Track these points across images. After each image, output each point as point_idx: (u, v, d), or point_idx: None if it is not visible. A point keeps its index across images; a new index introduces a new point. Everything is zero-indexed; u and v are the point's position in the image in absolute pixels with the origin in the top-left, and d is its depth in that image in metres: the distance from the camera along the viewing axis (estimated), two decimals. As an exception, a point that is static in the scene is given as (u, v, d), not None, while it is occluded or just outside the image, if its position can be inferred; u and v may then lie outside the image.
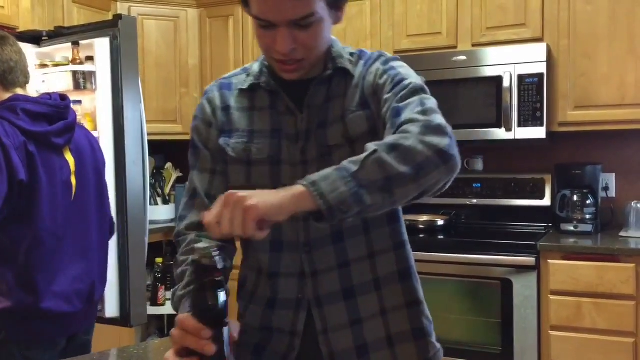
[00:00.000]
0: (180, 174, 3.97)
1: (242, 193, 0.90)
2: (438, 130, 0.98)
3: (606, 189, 3.15)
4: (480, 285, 2.78)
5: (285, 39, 1.06)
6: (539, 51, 2.93)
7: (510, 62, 2.95)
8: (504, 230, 3.20)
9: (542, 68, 2.91)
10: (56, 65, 2.73)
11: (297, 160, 1.15)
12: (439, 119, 1.01)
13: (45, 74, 2.76)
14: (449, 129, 1.00)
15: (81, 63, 2.68)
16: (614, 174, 3.19)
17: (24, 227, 1.76)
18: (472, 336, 2.78)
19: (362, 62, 1.20)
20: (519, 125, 2.94)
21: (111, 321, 2.65)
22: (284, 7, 1.03)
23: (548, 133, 2.94)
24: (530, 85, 2.93)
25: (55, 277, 1.82)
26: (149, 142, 3.69)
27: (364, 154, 0.95)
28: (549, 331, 2.70)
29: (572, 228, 2.97)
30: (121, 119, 2.63)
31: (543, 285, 2.72)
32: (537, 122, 2.92)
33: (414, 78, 1.11)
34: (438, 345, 1.24)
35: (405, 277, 1.21)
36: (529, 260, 2.72)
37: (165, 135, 3.79)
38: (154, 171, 3.89)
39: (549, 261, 2.70)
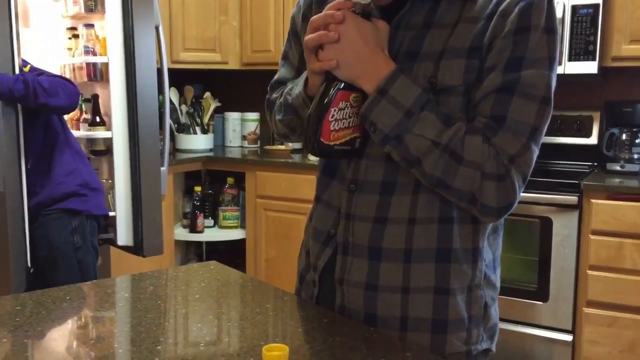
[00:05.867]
0: (219, 104, 3.96)
1: (332, 47, 0.95)
2: (506, 190, 0.95)
3: (657, 128, 3.03)
4: (519, 223, 2.75)
5: None
6: (595, -20, 2.76)
7: (564, -9, 2.80)
8: (547, 168, 3.12)
9: (598, -2, 2.76)
10: None
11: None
12: (523, 173, 0.96)
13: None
14: (521, 189, 0.97)
15: None
16: (667, 113, 3.05)
17: None
18: (509, 273, 2.77)
19: None
20: (570, 59, 2.81)
21: (125, 249, 2.68)
22: None
23: (600, 68, 2.81)
24: (584, 16, 2.78)
25: None
26: (188, 70, 3.69)
27: (436, 130, 0.94)
28: (587, 270, 2.66)
29: (618, 168, 2.88)
30: (131, 44, 2.52)
31: (584, 225, 2.67)
32: (589, 56, 2.79)
33: (546, 77, 0.94)
34: (464, 348, 1.05)
35: (442, 258, 1.02)
36: (571, 199, 2.66)
37: (204, 64, 3.77)
38: (193, 100, 3.90)
39: (592, 200, 2.63)
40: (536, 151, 0.97)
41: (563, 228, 2.69)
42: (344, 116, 0.98)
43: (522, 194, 0.99)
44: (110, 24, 2.54)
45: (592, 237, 2.64)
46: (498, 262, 1.12)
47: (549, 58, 0.95)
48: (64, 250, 2.28)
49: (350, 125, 0.99)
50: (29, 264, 2.30)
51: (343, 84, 0.97)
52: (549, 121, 0.97)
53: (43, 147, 2.30)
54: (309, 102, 1.04)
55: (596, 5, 2.76)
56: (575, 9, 2.80)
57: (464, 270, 1.04)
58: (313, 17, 0.98)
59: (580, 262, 2.69)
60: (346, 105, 0.97)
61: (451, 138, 0.94)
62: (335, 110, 0.97)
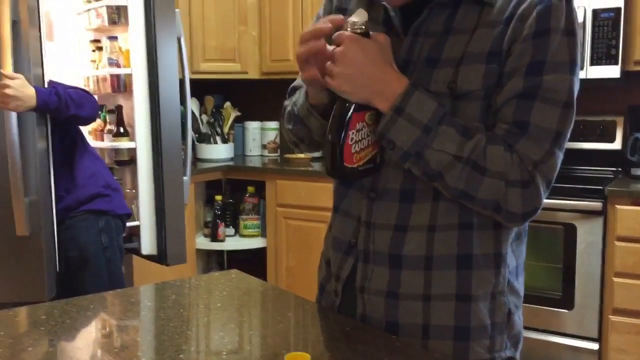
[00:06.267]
0: (239, 113, 3.99)
1: (339, 64, 0.94)
2: (531, 196, 0.94)
3: (683, 132, 2.97)
4: (542, 230, 2.71)
5: None
6: (616, -17, 2.73)
7: (584, -5, 2.78)
8: (571, 174, 3.08)
9: (619, 2, 2.72)
10: None
11: None
12: (547, 178, 0.95)
13: (89, 9, 2.78)
14: (545, 194, 0.96)
15: None
16: (692, 117, 3.00)
17: None
18: (533, 280, 2.74)
19: None
20: (592, 63, 2.78)
21: (149, 258, 2.70)
22: None
23: (623, 72, 2.78)
24: (605, 20, 2.75)
25: None
26: (209, 80, 3.72)
27: (456, 143, 0.93)
28: (613, 278, 2.62)
29: (643, 173, 2.84)
30: (154, 55, 2.56)
31: (609, 231, 2.63)
32: (612, 60, 2.75)
33: (568, 81, 0.93)
34: (487, 356, 1.03)
35: (463, 265, 1.01)
36: (596, 205, 2.62)
37: (224, 74, 3.79)
38: (213, 110, 3.93)
39: (617, 206, 2.59)
40: (560, 156, 0.96)
41: (587, 235, 2.65)
42: (363, 136, 0.97)
43: (545, 201, 0.98)
44: (133, 36, 2.58)
45: (618, 243, 2.60)
46: (522, 269, 1.11)
47: (570, 61, 0.94)
48: (93, 251, 2.34)
49: (370, 143, 0.99)
50: (58, 268, 2.36)
51: (355, 104, 0.96)
52: (572, 126, 0.96)
53: (63, 153, 2.37)
54: (313, 112, 1.05)
55: (617, 9, 2.73)
56: (596, 13, 2.77)
57: (486, 276, 1.03)
58: (303, 32, 0.98)
59: (606, 269, 2.65)
60: (362, 125, 0.97)
61: (472, 150, 0.94)
62: (353, 132, 0.96)
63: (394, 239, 1.03)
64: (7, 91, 2.07)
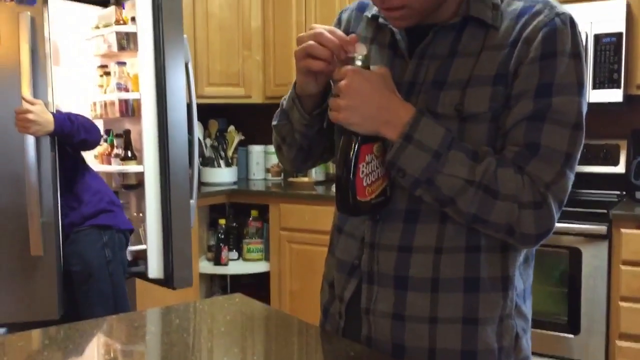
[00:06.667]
0: (243, 137, 4.00)
1: (344, 97, 0.94)
2: (544, 218, 0.95)
3: (687, 156, 2.97)
4: (547, 254, 2.70)
5: None
6: (617, 9, 2.75)
7: (586, 20, 2.79)
8: (575, 198, 3.08)
9: (620, 27, 2.75)
10: (106, 26, 2.77)
11: None
12: (559, 199, 0.96)
13: (97, 35, 2.83)
14: (558, 215, 0.96)
15: (124, 23, 2.69)
16: (696, 140, 3.00)
17: None
18: (538, 305, 2.71)
19: (515, 12, 0.97)
20: (594, 87, 2.80)
21: (156, 282, 2.71)
22: None
23: (625, 96, 2.79)
24: (607, 45, 2.78)
25: None
26: (213, 105, 3.75)
27: (467, 168, 0.94)
28: (619, 302, 2.60)
29: (647, 196, 2.83)
30: (162, 80, 2.61)
31: (614, 255, 2.61)
32: (614, 84, 2.77)
33: (576, 103, 0.94)
34: None
35: (471, 288, 1.01)
36: (600, 228, 2.61)
37: (228, 99, 3.82)
38: (217, 134, 3.95)
39: (622, 230, 2.58)
40: (571, 177, 0.97)
41: (593, 258, 2.63)
42: (373, 169, 0.98)
43: (550, 225, 0.98)
44: (143, 62, 2.63)
45: (623, 267, 2.58)
46: (529, 293, 1.11)
47: (577, 84, 0.95)
48: (97, 264, 2.38)
49: (380, 175, 0.99)
50: (61, 284, 2.42)
51: (362, 136, 0.96)
52: (582, 147, 0.97)
53: (66, 173, 2.44)
54: (297, 102, 1.07)
55: (619, 34, 2.75)
56: (598, 38, 2.79)
57: (493, 299, 1.02)
58: (300, 35, 1.01)
59: (612, 293, 2.63)
60: (372, 157, 0.97)
61: (484, 173, 0.94)
62: (363, 165, 0.96)
63: (398, 260, 1.02)
64: (29, 116, 2.18)
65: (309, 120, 1.09)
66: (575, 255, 2.66)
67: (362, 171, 0.96)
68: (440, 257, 1.00)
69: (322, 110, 1.08)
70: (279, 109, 1.17)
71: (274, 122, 1.18)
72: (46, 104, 2.30)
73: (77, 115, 2.37)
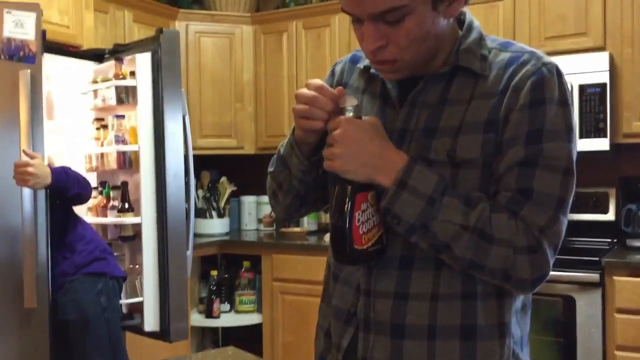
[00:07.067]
0: (235, 188, 4.01)
1: (339, 146, 0.96)
2: (539, 262, 0.95)
3: (675, 203, 3.01)
4: (541, 303, 2.69)
5: (369, 35, 0.96)
6: (601, 60, 2.83)
7: (571, 72, 2.86)
8: (566, 246, 3.06)
9: (604, 78, 2.82)
10: (104, 80, 2.81)
11: None
12: (554, 244, 0.96)
13: (94, 90, 2.87)
14: (552, 259, 0.97)
15: (124, 78, 2.73)
16: (683, 188, 3.04)
17: None
18: (534, 355, 2.68)
19: (503, 62, 1.00)
20: (581, 136, 2.85)
21: (151, 335, 2.67)
22: None
23: (612, 145, 2.84)
24: (592, 95, 2.84)
25: None
26: (205, 156, 3.77)
27: (461, 213, 0.94)
28: (615, 351, 2.58)
29: (638, 244, 2.84)
30: (161, 132, 2.65)
31: (608, 303, 2.61)
32: (600, 133, 2.82)
33: (566, 149, 0.96)
34: None
35: (468, 336, 1.00)
36: (593, 276, 2.61)
37: (221, 150, 3.85)
38: (209, 185, 3.95)
39: (615, 278, 2.58)
40: (565, 222, 0.98)
41: (587, 307, 2.62)
42: (368, 217, 0.98)
43: (543, 273, 0.98)
44: (142, 114, 2.67)
45: (617, 315, 2.58)
46: (526, 341, 1.10)
47: (566, 130, 0.98)
48: (93, 312, 2.36)
49: (375, 224, 0.99)
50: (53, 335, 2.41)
51: (356, 184, 0.97)
52: (574, 192, 0.98)
53: (57, 223, 2.45)
54: (295, 147, 1.08)
55: (603, 85, 2.82)
56: (583, 88, 2.86)
57: (490, 347, 1.01)
58: (299, 93, 1.02)
59: (607, 342, 2.61)
60: (367, 205, 0.98)
61: (478, 219, 0.95)
62: (359, 213, 0.97)
63: (394, 308, 1.02)
64: (29, 169, 2.20)
65: (307, 166, 1.10)
66: (569, 304, 2.65)
67: (358, 219, 0.97)
68: (436, 304, 1.00)
69: (320, 156, 1.10)
70: (276, 155, 1.18)
71: (271, 169, 1.19)
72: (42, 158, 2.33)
73: (71, 169, 2.40)
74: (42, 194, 2.36)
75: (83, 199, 2.46)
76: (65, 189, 2.33)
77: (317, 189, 1.15)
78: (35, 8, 2.40)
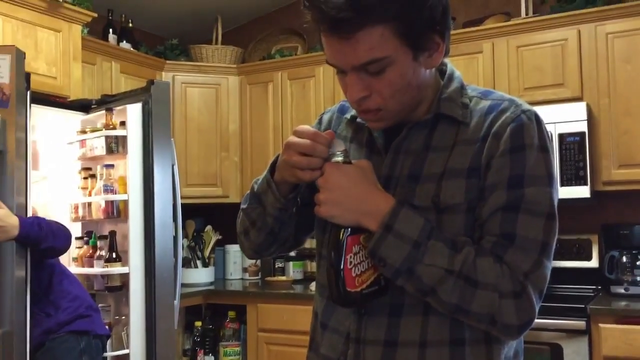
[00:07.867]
0: (220, 237, 3.99)
1: (323, 191, 0.98)
2: (524, 307, 0.95)
3: (656, 249, 3.04)
4: (528, 351, 2.66)
5: (353, 85, 0.98)
6: (579, 110, 2.91)
7: (550, 121, 2.93)
8: (551, 293, 3.08)
9: (583, 127, 2.89)
10: (93, 130, 2.82)
11: None
12: (539, 288, 0.96)
13: (82, 140, 2.87)
14: (538, 304, 0.97)
15: (114, 128, 2.74)
16: (663, 234, 3.08)
17: None
18: (522, 405, 2.65)
19: (484, 109, 1.03)
20: (562, 184, 2.89)
21: None
22: (345, 50, 0.94)
23: (593, 192, 2.89)
24: (571, 144, 2.90)
25: None
26: (190, 205, 3.76)
27: (447, 257, 0.95)
28: (604, 400, 2.56)
29: (622, 290, 2.86)
30: (150, 182, 2.65)
31: (595, 351, 2.60)
32: (581, 181, 2.87)
33: (548, 194, 0.98)
34: None
35: None
36: (579, 324, 2.61)
37: (206, 199, 3.85)
38: (194, 234, 3.93)
39: (601, 325, 2.59)
40: (549, 267, 0.99)
41: (574, 355, 2.61)
42: (361, 259, 0.99)
43: (529, 320, 0.98)
44: (132, 164, 2.68)
45: (605, 363, 2.57)
46: None
47: (547, 175, 0.99)
48: None
49: (370, 265, 1.00)
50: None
51: (349, 228, 0.98)
52: (556, 236, 1.00)
53: (41, 280, 2.35)
54: (272, 185, 1.08)
55: (582, 134, 2.89)
56: (562, 137, 2.92)
57: None
58: (290, 142, 1.03)
59: (596, 390, 2.59)
60: (359, 248, 0.99)
61: (463, 263, 0.95)
62: (350, 256, 0.98)
63: (384, 356, 1.01)
64: None
65: (284, 204, 1.10)
66: (556, 352, 2.64)
67: (350, 262, 0.97)
68: (425, 350, 1.00)
69: (296, 193, 1.11)
70: (249, 192, 1.18)
71: (244, 206, 1.18)
72: (20, 208, 2.22)
73: (49, 222, 2.29)
74: (10, 246, 2.20)
75: (57, 252, 2.35)
76: (36, 241, 2.21)
77: (291, 226, 1.16)
78: (10, 50, 2.33)
